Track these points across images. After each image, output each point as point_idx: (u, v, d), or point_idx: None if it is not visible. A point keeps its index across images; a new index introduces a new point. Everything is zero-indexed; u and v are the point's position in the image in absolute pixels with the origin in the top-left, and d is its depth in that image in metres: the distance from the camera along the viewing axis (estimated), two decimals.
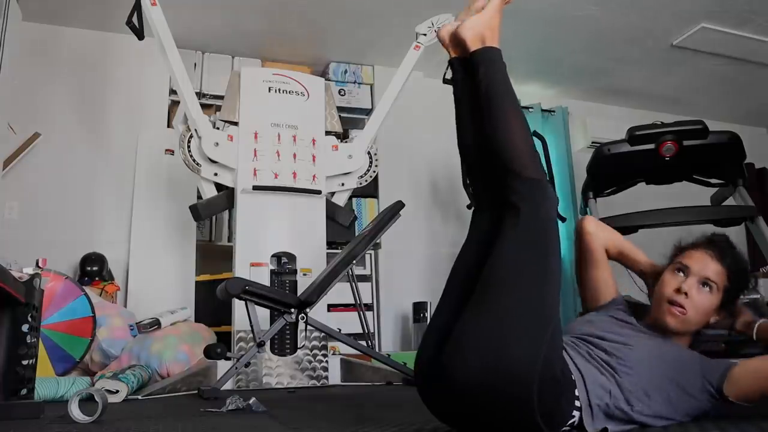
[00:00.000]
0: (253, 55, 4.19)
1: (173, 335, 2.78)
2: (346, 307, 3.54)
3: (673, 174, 3.39)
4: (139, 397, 2.17)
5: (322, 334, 2.70)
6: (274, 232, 2.88)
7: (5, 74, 3.03)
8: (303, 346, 2.71)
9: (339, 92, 4.28)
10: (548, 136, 4.27)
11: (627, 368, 1.18)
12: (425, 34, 3.09)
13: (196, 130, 2.80)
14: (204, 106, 3.19)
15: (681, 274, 1.29)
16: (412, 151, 4.35)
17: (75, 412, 1.46)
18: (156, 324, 2.81)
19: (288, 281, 2.84)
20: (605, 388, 1.16)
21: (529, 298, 1.08)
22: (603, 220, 3.32)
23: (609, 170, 3.40)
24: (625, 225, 3.32)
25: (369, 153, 3.19)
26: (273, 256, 2.85)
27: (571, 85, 4.81)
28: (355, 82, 4.38)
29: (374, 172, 3.22)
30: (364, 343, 2.93)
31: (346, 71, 4.37)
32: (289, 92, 3.03)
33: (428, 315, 3.75)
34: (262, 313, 2.47)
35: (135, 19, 2.73)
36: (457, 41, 1.36)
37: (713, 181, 3.51)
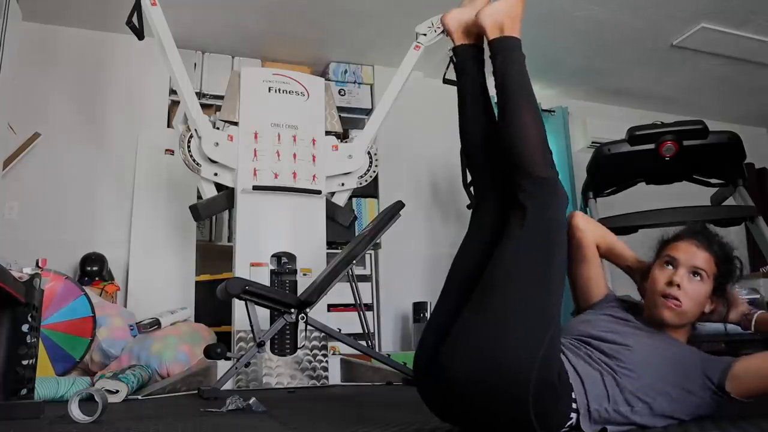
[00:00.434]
0: (253, 55, 4.19)
1: (173, 335, 2.78)
2: (346, 307, 3.54)
3: (673, 174, 3.39)
4: (139, 397, 2.17)
5: (322, 334, 2.70)
6: (274, 232, 2.88)
7: (5, 74, 3.03)
8: (303, 346, 2.71)
9: (339, 92, 4.28)
10: (548, 136, 4.23)
11: (627, 370, 1.16)
12: (425, 34, 3.08)
13: (196, 130, 2.80)
14: (204, 106, 3.19)
15: (670, 267, 1.28)
16: (412, 151, 4.36)
17: (75, 412, 1.46)
18: (156, 324, 2.81)
19: (288, 281, 2.84)
20: (605, 391, 1.14)
21: (532, 300, 1.07)
22: (603, 220, 3.33)
23: (609, 170, 3.40)
24: (625, 225, 3.32)
25: (369, 153, 3.19)
26: (273, 256, 2.85)
27: (571, 85, 4.81)
28: (355, 82, 4.38)
29: (374, 172, 3.22)
30: (364, 343, 2.92)
31: (346, 71, 4.37)
32: (289, 92, 3.03)
33: (428, 315, 3.75)
34: (262, 313, 2.47)
35: (135, 19, 2.72)
36: (468, 28, 1.33)
37: (713, 181, 3.51)
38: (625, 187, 3.58)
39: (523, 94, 1.21)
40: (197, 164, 2.82)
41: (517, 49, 1.24)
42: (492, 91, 1.33)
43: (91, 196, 3.63)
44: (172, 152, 3.65)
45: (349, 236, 3.39)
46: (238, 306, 2.53)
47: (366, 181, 3.22)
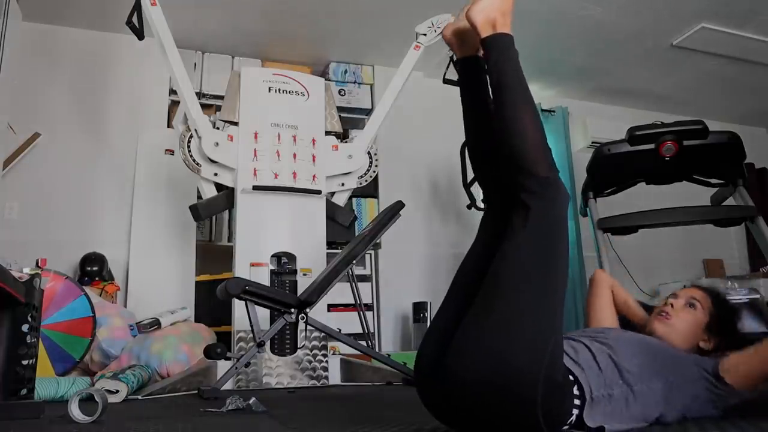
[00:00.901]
0: (253, 55, 4.19)
1: (173, 335, 2.78)
2: (346, 307, 3.54)
3: (673, 174, 3.39)
4: (139, 397, 2.17)
5: (322, 334, 2.70)
6: (274, 232, 2.88)
7: (5, 74, 3.03)
8: (303, 346, 2.71)
9: (339, 92, 4.28)
10: (548, 136, 4.23)
11: (621, 350, 1.21)
12: (425, 34, 3.08)
13: (196, 130, 2.80)
14: (204, 106, 3.19)
15: (671, 299, 1.44)
16: (412, 151, 4.36)
17: (75, 412, 1.45)
18: (156, 324, 2.81)
19: (288, 281, 2.84)
20: (603, 374, 1.16)
21: (538, 299, 1.06)
22: (603, 220, 3.34)
23: (609, 170, 3.40)
24: (625, 225, 3.32)
25: (369, 153, 3.19)
26: (273, 256, 2.85)
27: (571, 85, 4.81)
28: (355, 82, 4.38)
29: (374, 172, 3.22)
30: (364, 343, 2.93)
31: (346, 71, 4.37)
32: (289, 92, 3.03)
33: (428, 315, 3.75)
34: (262, 313, 2.47)
35: (135, 19, 2.72)
36: (463, 37, 1.31)
37: (713, 181, 3.51)
38: (625, 187, 3.58)
39: (520, 91, 1.19)
40: (197, 164, 2.82)
41: (511, 46, 1.22)
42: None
43: (91, 196, 3.63)
44: (172, 152, 3.65)
45: (349, 236, 3.39)
46: (238, 306, 2.53)
47: (366, 181, 3.22)
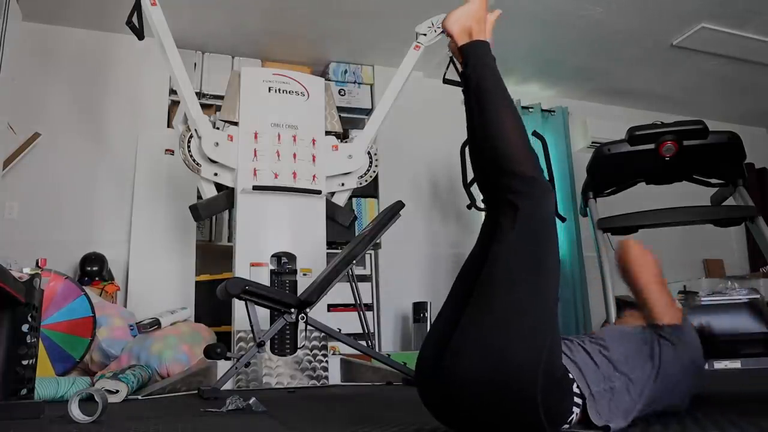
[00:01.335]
0: (253, 55, 4.19)
1: (173, 335, 2.78)
2: (346, 307, 3.54)
3: (673, 174, 3.39)
4: (139, 397, 2.17)
5: (322, 334, 2.70)
6: (274, 232, 2.88)
7: (5, 74, 3.03)
8: (303, 346, 2.71)
9: (339, 92, 4.28)
10: (548, 136, 4.27)
11: (612, 345, 1.22)
12: (425, 34, 3.08)
13: (196, 130, 2.80)
14: (204, 106, 3.19)
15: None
16: (412, 151, 4.36)
17: (75, 412, 1.45)
18: (156, 324, 2.81)
19: (288, 281, 2.84)
20: (600, 370, 1.16)
21: (533, 297, 1.07)
22: (603, 220, 3.33)
23: (609, 170, 3.39)
24: (625, 225, 3.32)
25: (369, 153, 3.19)
26: (273, 256, 2.85)
27: (571, 85, 4.81)
28: (355, 82, 4.38)
29: (374, 172, 3.22)
30: (364, 343, 2.92)
31: (346, 71, 4.37)
32: (289, 92, 3.03)
33: (428, 315, 3.75)
34: (262, 313, 2.47)
35: (135, 19, 2.72)
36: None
37: (713, 181, 3.50)
38: (625, 187, 3.57)
39: (500, 95, 1.21)
40: (197, 164, 2.82)
41: (488, 51, 1.25)
42: None
43: (91, 196, 3.63)
44: (172, 152, 3.65)
45: (349, 236, 3.39)
46: (238, 306, 2.53)
47: (366, 181, 3.22)
